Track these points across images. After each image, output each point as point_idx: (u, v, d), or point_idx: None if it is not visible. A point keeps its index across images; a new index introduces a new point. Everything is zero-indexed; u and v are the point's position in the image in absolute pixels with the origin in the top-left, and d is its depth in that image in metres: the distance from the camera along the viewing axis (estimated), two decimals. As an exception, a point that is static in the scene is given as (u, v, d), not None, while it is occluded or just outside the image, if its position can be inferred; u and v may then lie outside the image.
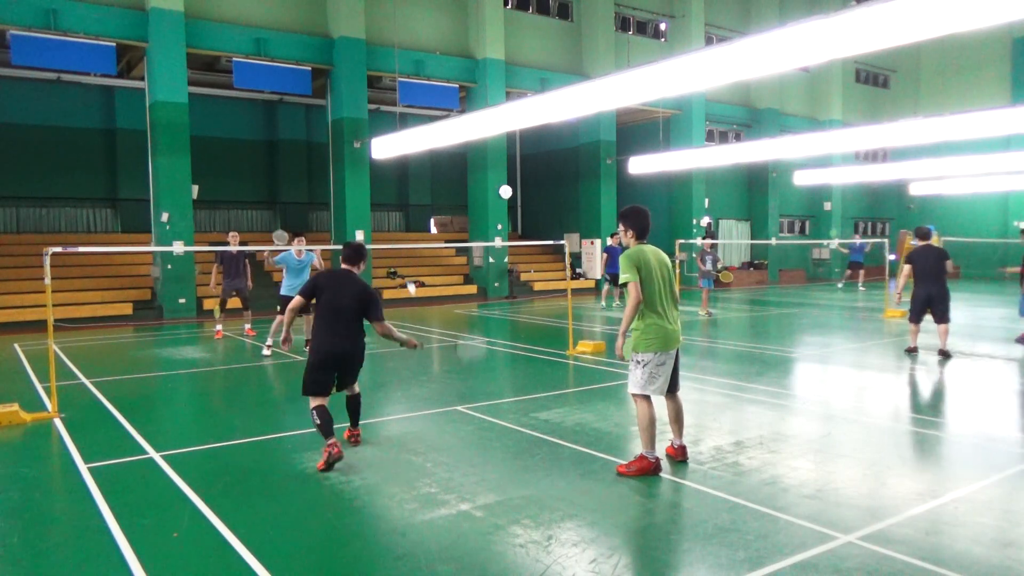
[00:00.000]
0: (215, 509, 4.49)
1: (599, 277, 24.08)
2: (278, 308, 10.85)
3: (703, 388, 8.05)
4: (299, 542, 4.03)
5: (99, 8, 15.63)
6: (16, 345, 12.34)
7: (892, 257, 22.28)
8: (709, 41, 25.93)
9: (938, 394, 8.08)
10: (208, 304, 16.24)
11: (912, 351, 10.13)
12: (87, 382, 8.87)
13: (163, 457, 5.64)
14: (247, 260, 12.86)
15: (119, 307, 16.44)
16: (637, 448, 5.74)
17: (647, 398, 5.08)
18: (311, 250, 10.85)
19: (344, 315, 5.41)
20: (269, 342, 10.84)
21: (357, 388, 5.84)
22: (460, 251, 23.80)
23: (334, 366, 5.45)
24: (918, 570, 3.54)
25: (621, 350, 5.17)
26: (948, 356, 9.78)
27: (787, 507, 4.39)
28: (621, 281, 5.06)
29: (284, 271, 10.57)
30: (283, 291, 10.64)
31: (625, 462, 5.21)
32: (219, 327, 13.27)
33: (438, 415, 6.93)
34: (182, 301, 16.76)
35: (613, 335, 12.75)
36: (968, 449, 5.73)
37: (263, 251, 10.75)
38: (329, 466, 5.20)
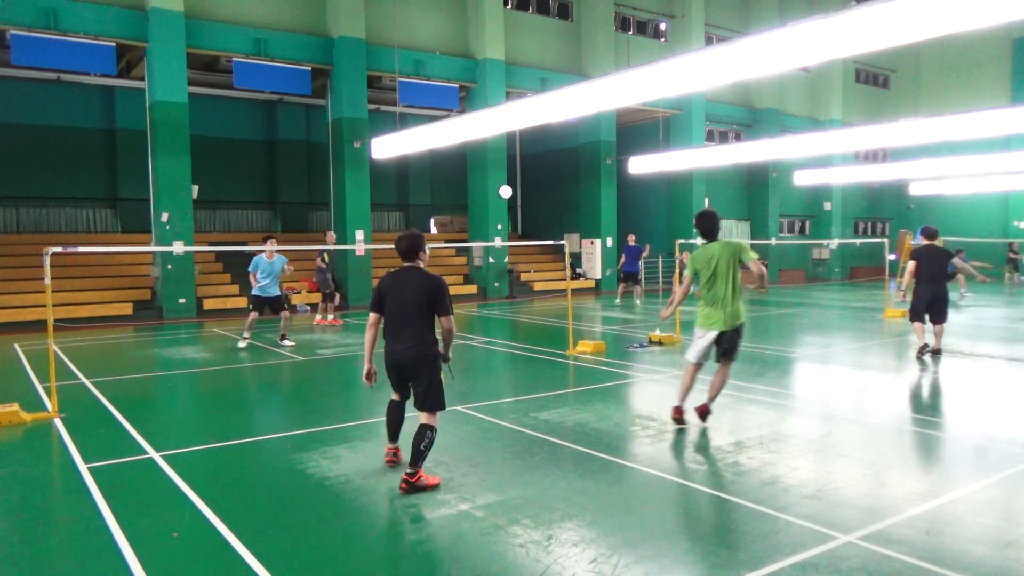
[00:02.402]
0: (215, 509, 4.49)
1: (599, 277, 24.11)
2: (251, 307, 11.71)
3: (703, 388, 8.04)
4: (299, 542, 4.03)
5: (99, 8, 15.63)
6: (16, 345, 12.34)
7: (892, 257, 22.26)
8: (709, 41, 25.93)
9: (938, 394, 8.08)
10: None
11: (925, 349, 9.72)
12: (87, 382, 8.87)
13: (163, 457, 5.64)
14: (324, 258, 14.46)
15: (119, 307, 16.44)
16: (636, 447, 5.79)
17: (694, 364, 6.39)
18: (281, 252, 11.75)
19: (407, 316, 4.79)
20: (246, 335, 11.75)
21: (430, 419, 4.82)
22: (460, 251, 23.80)
23: (398, 373, 4.98)
24: (918, 570, 3.54)
25: (664, 315, 6.93)
26: (939, 353, 9.78)
27: (787, 507, 4.39)
28: (686, 274, 6.47)
29: (257, 274, 11.45)
30: (255, 291, 11.54)
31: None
32: (319, 316, 14.89)
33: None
34: (182, 301, 16.76)
35: (612, 335, 12.75)
36: (968, 449, 5.73)
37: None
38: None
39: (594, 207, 24.41)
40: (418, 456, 4.72)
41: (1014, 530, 4.04)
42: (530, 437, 6.06)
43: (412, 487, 4.71)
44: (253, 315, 11.61)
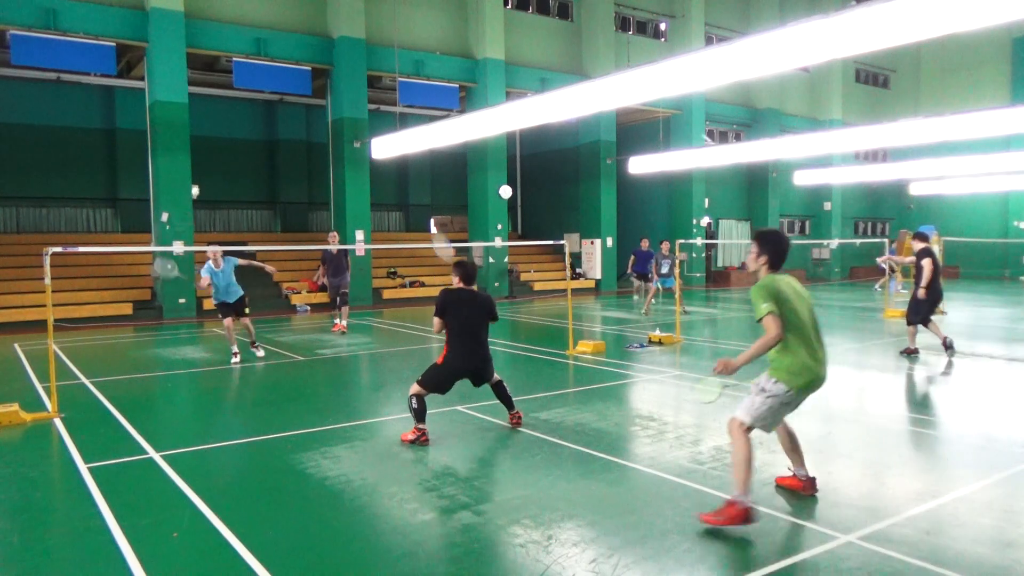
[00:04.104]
0: (215, 509, 4.49)
1: (598, 276, 24.12)
2: (220, 316, 10.82)
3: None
4: (299, 542, 4.03)
5: (99, 8, 15.64)
6: (16, 345, 12.34)
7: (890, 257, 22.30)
8: (709, 41, 25.93)
9: (938, 394, 8.08)
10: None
11: (913, 353, 9.99)
12: (87, 382, 8.87)
13: (163, 457, 5.63)
14: (347, 258, 13.79)
15: (119, 307, 16.44)
16: (636, 447, 5.76)
17: (749, 430, 4.23)
18: (229, 257, 10.75)
19: (474, 328, 6.05)
20: (235, 349, 10.65)
21: (496, 376, 6.34)
22: (460, 251, 23.79)
23: (466, 375, 6.14)
24: (918, 570, 3.54)
25: (731, 368, 4.14)
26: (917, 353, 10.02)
27: (787, 507, 4.39)
28: (758, 316, 4.12)
29: (212, 283, 10.49)
30: (218, 298, 10.65)
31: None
32: (337, 321, 13.98)
33: (438, 415, 6.92)
34: (182, 301, 16.76)
35: (612, 335, 12.74)
36: (968, 449, 5.73)
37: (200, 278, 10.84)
38: (414, 442, 5.86)
39: (594, 207, 24.41)
40: (510, 398, 6.46)
41: (1014, 530, 4.04)
42: (530, 437, 6.06)
43: (520, 419, 6.44)
44: (227, 322, 10.61)
